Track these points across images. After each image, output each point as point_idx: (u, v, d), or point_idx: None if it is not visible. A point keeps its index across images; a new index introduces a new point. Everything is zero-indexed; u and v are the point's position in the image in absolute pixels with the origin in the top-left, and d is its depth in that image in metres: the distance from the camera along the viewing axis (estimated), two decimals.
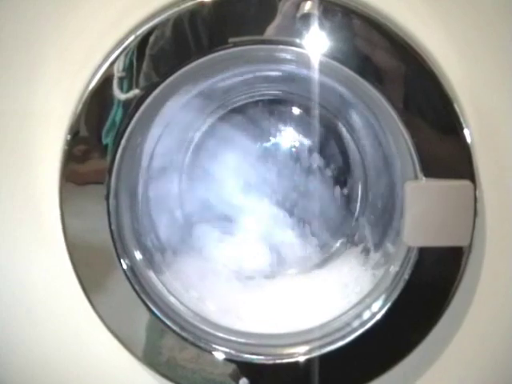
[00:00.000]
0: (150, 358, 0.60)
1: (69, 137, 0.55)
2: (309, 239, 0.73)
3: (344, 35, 0.52)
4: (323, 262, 0.72)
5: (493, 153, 0.56)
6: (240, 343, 0.61)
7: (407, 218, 0.55)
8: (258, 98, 0.73)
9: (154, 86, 0.54)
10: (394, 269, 0.59)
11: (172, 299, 0.62)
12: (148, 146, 0.64)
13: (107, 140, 0.55)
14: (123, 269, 0.59)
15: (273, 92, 0.73)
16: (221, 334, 0.62)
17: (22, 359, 0.64)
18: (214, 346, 0.61)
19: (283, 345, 0.61)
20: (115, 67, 0.54)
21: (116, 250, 0.58)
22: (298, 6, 0.52)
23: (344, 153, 0.74)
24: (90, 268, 0.58)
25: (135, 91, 0.54)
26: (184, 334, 0.60)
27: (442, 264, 0.57)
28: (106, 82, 0.54)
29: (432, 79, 0.53)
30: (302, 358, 0.59)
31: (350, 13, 0.52)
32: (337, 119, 0.72)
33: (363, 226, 0.73)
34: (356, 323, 0.60)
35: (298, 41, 0.53)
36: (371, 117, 0.61)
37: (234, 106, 0.73)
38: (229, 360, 0.60)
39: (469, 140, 0.54)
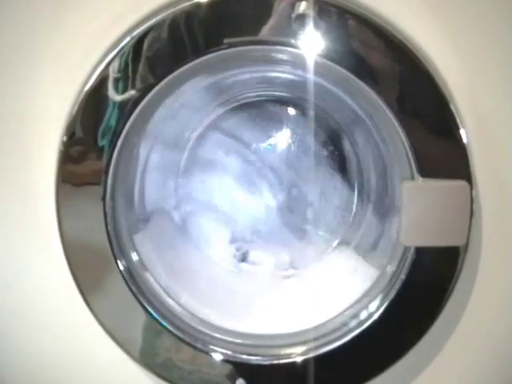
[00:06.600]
0: (147, 359, 0.60)
1: (65, 138, 0.55)
2: (306, 239, 0.73)
3: (339, 35, 0.52)
4: (320, 262, 0.72)
5: (489, 153, 0.56)
6: (237, 344, 0.61)
7: (404, 217, 0.55)
8: (254, 99, 0.73)
9: (150, 87, 0.54)
10: (390, 268, 0.59)
11: (169, 300, 0.62)
12: (144, 146, 0.64)
13: (103, 141, 0.55)
14: (120, 270, 0.59)
15: (270, 93, 0.73)
16: (217, 335, 0.62)
17: (19, 360, 0.64)
18: (210, 346, 0.61)
19: (280, 345, 0.61)
20: (111, 68, 0.54)
21: (113, 251, 0.58)
22: (293, 7, 0.52)
23: (341, 154, 0.74)
24: (87, 269, 0.58)
25: (131, 92, 0.54)
26: (181, 334, 0.60)
27: (438, 264, 0.57)
28: (101, 83, 0.54)
29: (428, 79, 0.53)
30: (299, 359, 0.60)
31: (345, 13, 0.52)
32: (334, 120, 0.72)
33: (360, 225, 0.73)
34: (353, 323, 0.60)
35: (293, 41, 0.53)
36: (367, 118, 0.61)
37: (231, 106, 0.73)
38: (225, 361, 0.60)
39: (465, 140, 0.54)
